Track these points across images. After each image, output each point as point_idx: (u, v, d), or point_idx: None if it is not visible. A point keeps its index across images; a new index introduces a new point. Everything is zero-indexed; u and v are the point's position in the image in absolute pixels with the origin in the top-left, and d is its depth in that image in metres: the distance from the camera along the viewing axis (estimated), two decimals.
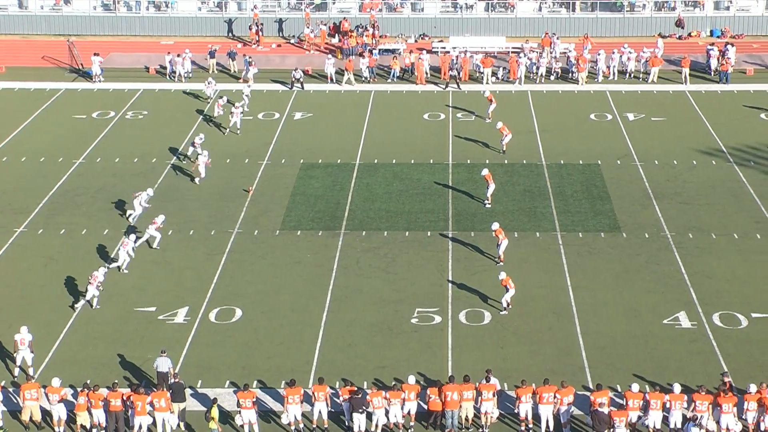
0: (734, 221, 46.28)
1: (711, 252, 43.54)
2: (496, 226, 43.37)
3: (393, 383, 33.99)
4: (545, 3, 78.19)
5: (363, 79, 65.87)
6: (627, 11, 77.26)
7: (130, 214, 46.88)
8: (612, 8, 77.21)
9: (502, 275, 39.50)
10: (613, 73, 66.47)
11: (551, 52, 68.89)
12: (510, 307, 39.15)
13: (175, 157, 53.71)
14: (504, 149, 54.03)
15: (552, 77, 66.84)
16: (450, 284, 41.34)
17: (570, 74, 66.97)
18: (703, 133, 56.94)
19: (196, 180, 50.64)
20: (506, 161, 53.13)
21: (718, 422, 32.31)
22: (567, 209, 47.80)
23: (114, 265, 42.51)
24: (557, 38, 70.54)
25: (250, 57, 66.88)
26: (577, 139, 56.41)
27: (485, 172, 48.57)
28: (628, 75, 66.78)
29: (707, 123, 58.51)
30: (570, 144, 55.55)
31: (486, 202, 48.08)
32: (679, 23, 76.04)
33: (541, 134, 56.88)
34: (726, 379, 33.27)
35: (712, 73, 66.84)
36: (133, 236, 43.57)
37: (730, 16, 76.59)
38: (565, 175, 51.59)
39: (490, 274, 41.81)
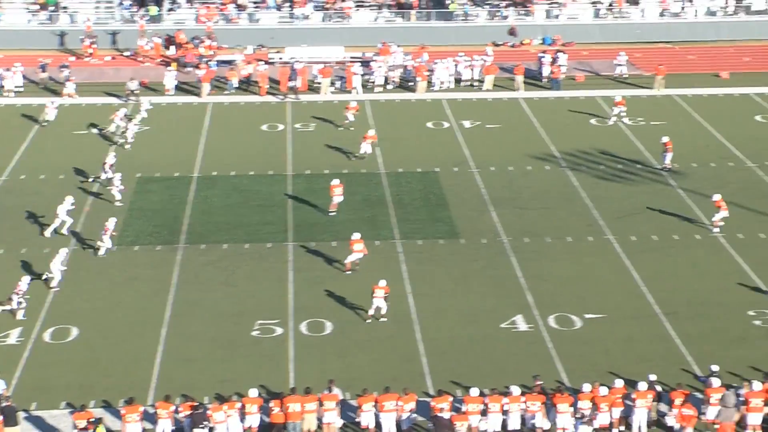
0: (567, 225, 47.29)
1: (546, 256, 44.42)
2: (357, 236, 43.35)
3: (234, 397, 33.75)
4: (381, 12, 78.81)
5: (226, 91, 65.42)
6: (461, 20, 78.38)
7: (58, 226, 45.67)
8: (446, 17, 78.25)
9: (383, 282, 39.49)
10: (449, 82, 67.33)
11: (389, 61, 69.42)
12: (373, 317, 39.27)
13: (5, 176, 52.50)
14: (362, 155, 54.24)
15: (390, 86, 67.38)
16: (291, 295, 41.28)
17: (407, 83, 67.63)
18: (536, 140, 58.08)
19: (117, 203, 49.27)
20: (345, 170, 53.32)
21: (554, 422, 32.95)
22: (406, 217, 48.20)
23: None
24: (396, 47, 71.13)
25: (67, 70, 65.33)
26: (415, 147, 56.97)
27: (336, 182, 48.52)
28: (463, 83, 67.73)
29: (540, 129, 59.71)
30: (408, 152, 56.05)
31: (331, 211, 48.07)
32: (512, 32, 77.46)
33: (379, 143, 57.24)
34: (537, 382, 33.87)
35: (544, 80, 68.25)
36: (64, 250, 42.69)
37: (561, 24, 78.36)
38: (403, 184, 52.03)
39: (332, 284, 41.90)
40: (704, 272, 42.82)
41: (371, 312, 39.34)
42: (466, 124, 60.67)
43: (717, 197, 46.42)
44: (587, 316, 39.55)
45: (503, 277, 42.63)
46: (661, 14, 79.10)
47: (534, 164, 54.44)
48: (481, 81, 67.53)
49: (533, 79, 68.39)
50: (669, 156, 52.86)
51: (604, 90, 66.65)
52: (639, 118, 60.80)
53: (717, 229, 46.04)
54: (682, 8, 79.01)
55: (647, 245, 45.21)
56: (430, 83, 66.87)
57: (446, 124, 60.64)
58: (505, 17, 78.69)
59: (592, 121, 61.09)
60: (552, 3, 79.46)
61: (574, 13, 79.17)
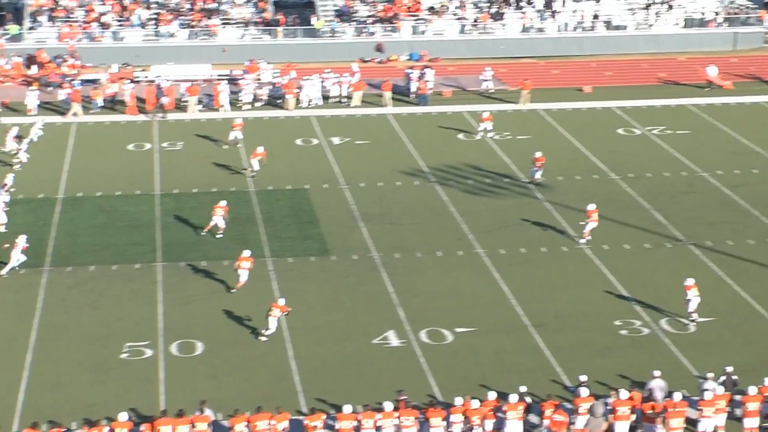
0: (437, 239, 47.60)
1: (417, 271, 44.62)
2: (247, 253, 42.98)
3: (103, 421, 33.14)
4: (247, 30, 78.53)
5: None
6: (328, 37, 78.52)
7: None
8: (313, 34, 78.31)
9: (282, 301, 39.33)
10: (318, 99, 67.35)
11: (257, 79, 69.15)
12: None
13: None
14: (251, 172, 54.24)
15: (258, 104, 67.14)
16: (161, 316, 40.74)
17: (276, 100, 67.47)
18: (405, 155, 58.40)
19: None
20: (214, 189, 52.91)
21: None
22: (277, 235, 47.99)
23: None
24: (266, 64, 70.89)
25: None
26: (285, 164, 56.81)
27: (223, 203, 48.09)
28: (332, 100, 67.82)
29: (409, 145, 60.07)
30: (278, 170, 55.85)
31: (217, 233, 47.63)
32: (379, 48, 77.87)
33: (248, 161, 56.96)
34: (401, 397, 33.95)
35: (412, 95, 68.70)
36: None
37: (427, 40, 79.03)
38: (273, 201, 51.83)
39: (202, 304, 41.49)
40: (572, 284, 43.47)
41: (265, 330, 39.11)
42: (336, 140, 60.73)
43: (591, 207, 47.26)
44: (458, 329, 39.80)
45: (374, 293, 42.69)
46: (525, 30, 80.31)
47: (403, 179, 54.71)
48: (350, 97, 67.71)
49: (401, 94, 68.81)
50: (539, 171, 53.58)
51: (471, 105, 67.37)
52: (506, 133, 61.56)
53: (584, 240, 46.81)
54: (541, 23, 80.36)
55: (516, 258, 45.74)
56: (298, 100, 66.82)
57: (315, 141, 60.63)
58: (372, 34, 79.08)
59: (460, 136, 61.68)
60: (418, 19, 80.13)
61: (440, 29, 79.93)
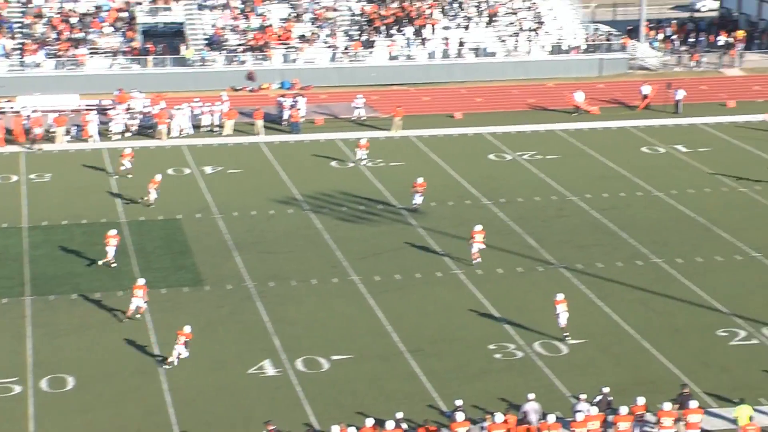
0: (312, 267, 47.50)
1: (292, 299, 44.45)
2: (142, 281, 42.70)
3: None
4: (116, 59, 77.64)
5: None
6: (198, 65, 78.04)
7: None
8: (183, 63, 77.77)
9: (187, 329, 38.93)
10: (189, 128, 66.85)
11: (128, 109, 68.33)
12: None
13: None
14: (151, 203, 53.79)
15: (129, 133, 66.37)
16: (29, 351, 39.83)
17: (147, 130, 66.78)
18: (278, 183, 58.25)
19: None
20: (84, 221, 52.09)
21: None
22: (149, 266, 47.39)
23: None
24: (138, 93, 70.11)
25: None
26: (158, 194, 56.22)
27: (113, 232, 47.52)
28: (203, 129, 67.39)
29: (282, 173, 59.94)
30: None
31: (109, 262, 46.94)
32: (250, 76, 77.66)
33: (120, 190, 56.23)
34: (270, 428, 33.69)
35: (284, 123, 68.61)
36: None
37: (299, 68, 79.07)
38: (145, 232, 51.20)
39: (73, 338, 40.72)
40: (446, 309, 43.72)
41: (171, 359, 38.68)
42: (208, 169, 60.31)
43: (477, 228, 47.81)
44: (334, 357, 39.71)
45: (249, 322, 42.39)
46: (395, 57, 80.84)
47: (277, 208, 54.54)
48: (221, 126, 67.34)
49: (273, 123, 68.68)
50: (420, 197, 53.76)
51: (343, 132, 67.55)
52: (378, 160, 61.81)
53: (475, 262, 47.29)
54: (411, 51, 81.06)
55: (391, 284, 45.87)
56: (169, 130, 66.21)
57: (187, 171, 60.11)
58: (243, 62, 78.84)
59: (333, 163, 61.76)
60: (289, 47, 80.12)
61: (311, 57, 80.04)
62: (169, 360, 38.91)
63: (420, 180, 54.37)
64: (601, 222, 52.80)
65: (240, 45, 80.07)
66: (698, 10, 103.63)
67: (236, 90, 76.50)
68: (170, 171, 59.92)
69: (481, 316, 43.02)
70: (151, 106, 68.67)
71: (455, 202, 55.40)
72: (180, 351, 38.86)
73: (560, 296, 41.05)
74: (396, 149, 64.56)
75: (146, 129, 66.93)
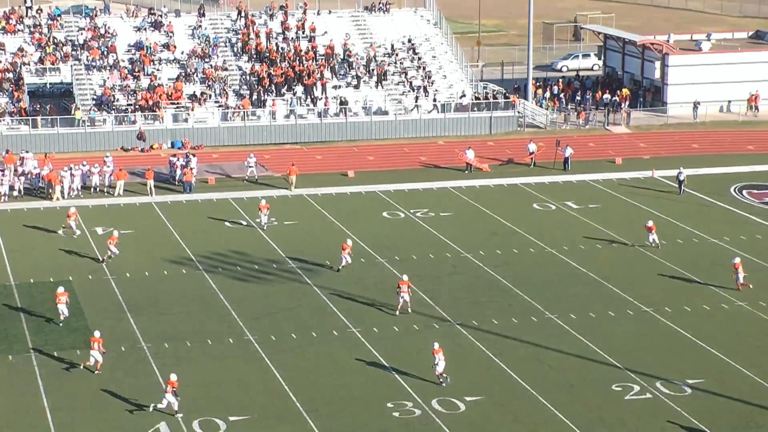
0: (207, 327, 47.19)
1: (187, 360, 44.05)
2: (97, 334, 42.85)
3: None
4: (3, 119, 76.66)
5: None
6: (88, 126, 77.39)
7: None
8: (72, 124, 77.08)
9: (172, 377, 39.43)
10: (78, 189, 66.17)
11: (17, 170, 67.39)
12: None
13: None
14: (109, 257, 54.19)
15: (16, 194, 65.50)
16: None
17: (35, 191, 65.96)
18: (172, 243, 57.88)
19: None
20: None
21: None
22: (40, 329, 46.62)
23: None
24: (27, 153, 69.23)
25: None
26: (46, 256, 55.47)
27: (61, 289, 47.38)
28: (94, 189, 66.77)
29: (175, 233, 59.58)
30: (39, 261, 54.50)
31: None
32: (141, 136, 77.23)
33: (8, 254, 55.39)
34: None
35: (177, 183, 68.29)
36: None
37: (190, 128, 78.88)
38: (36, 294, 50.41)
39: None
40: (343, 368, 43.67)
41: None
42: (99, 230, 59.69)
43: (404, 278, 48.77)
44: (232, 418, 39.39)
45: (144, 384, 41.87)
46: (287, 116, 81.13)
47: (170, 268, 54.15)
48: (113, 187, 66.76)
49: (165, 182, 68.31)
50: (348, 257, 53.58)
51: (236, 192, 67.48)
52: (272, 219, 61.78)
53: (397, 313, 48.07)
54: (303, 109, 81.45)
55: (287, 344, 45.75)
56: (61, 191, 65.46)
57: (78, 232, 59.40)
58: (133, 122, 78.40)
59: (227, 223, 61.55)
60: (179, 107, 79.92)
61: (202, 117, 79.91)
62: (158, 406, 39.20)
63: (349, 242, 54.31)
64: (496, 278, 53.40)
65: (129, 105, 79.66)
66: (560, 70, 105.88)
67: (126, 150, 75.96)
68: (60, 232, 59.18)
69: (378, 375, 43.09)
70: (39, 167, 67.78)
71: (351, 260, 55.50)
72: (170, 400, 39.14)
73: (436, 345, 42.27)
74: (290, 208, 64.61)
75: (35, 190, 66.05)
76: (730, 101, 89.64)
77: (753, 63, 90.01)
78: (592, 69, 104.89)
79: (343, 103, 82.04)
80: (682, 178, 68.24)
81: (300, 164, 71.24)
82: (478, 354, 44.94)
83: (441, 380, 41.78)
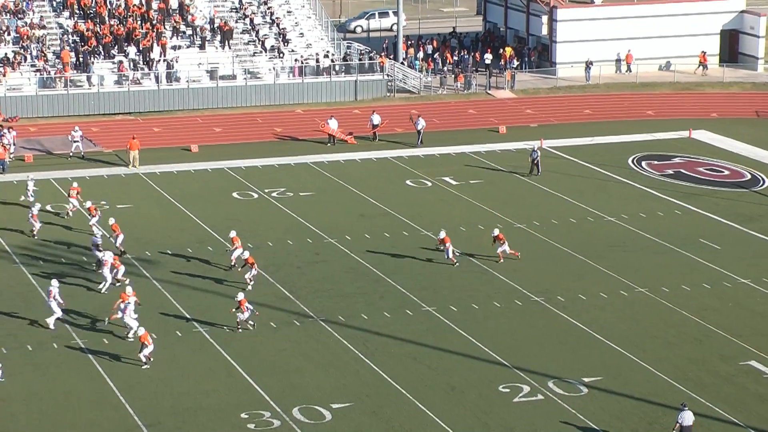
0: (28, 330, 46.48)
1: (5, 370, 43.24)
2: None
3: None
4: None
5: None
6: None
7: None
8: None
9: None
10: None
11: None
12: None
13: None
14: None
15: None
16: None
17: None
18: None
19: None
20: None
21: None
22: None
23: None
24: None
25: None
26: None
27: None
28: None
29: None
30: None
31: None
32: None
33: None
34: None
35: None
36: None
37: (1, 96, 77.29)
38: None
39: None
40: (189, 373, 43.28)
41: None
42: None
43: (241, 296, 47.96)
44: None
45: None
46: (119, 82, 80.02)
47: None
48: None
49: None
50: (238, 252, 52.75)
51: (59, 171, 66.49)
52: (102, 201, 60.88)
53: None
54: (137, 75, 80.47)
55: (121, 347, 45.15)
56: None
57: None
58: None
59: (48, 207, 60.43)
60: None
61: (16, 84, 78.39)
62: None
63: (233, 234, 53.28)
64: (365, 266, 53.45)
65: None
66: (353, 31, 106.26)
67: None
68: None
69: (230, 380, 42.79)
70: None
71: (194, 249, 55.03)
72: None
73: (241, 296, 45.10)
74: (124, 189, 63.75)
75: None
76: (669, 61, 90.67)
77: (650, 17, 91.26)
78: (390, 29, 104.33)
79: (191, 66, 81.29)
80: (536, 156, 67.23)
81: (138, 138, 70.04)
82: (346, 354, 44.93)
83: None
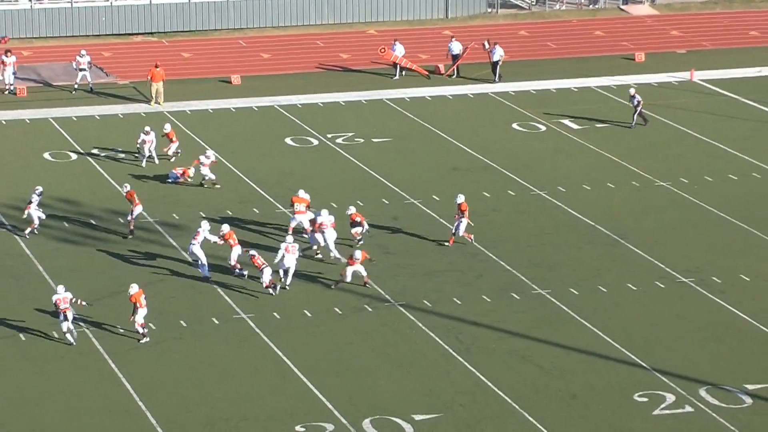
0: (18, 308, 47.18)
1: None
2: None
3: None
4: None
5: None
6: None
7: None
8: None
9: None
10: None
11: None
12: None
13: None
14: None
15: None
16: None
17: None
18: None
19: None
20: None
21: None
22: None
23: None
24: None
25: None
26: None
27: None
28: None
29: None
30: None
31: None
32: None
33: None
34: None
35: None
36: None
37: None
38: None
39: None
40: (227, 374, 43.56)
41: None
42: None
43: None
44: None
45: None
46: None
47: None
48: None
49: None
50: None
51: (60, 108, 67.12)
52: (119, 147, 61.41)
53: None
54: None
55: (152, 337, 45.69)
56: None
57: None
58: None
59: (47, 155, 61.09)
60: None
61: None
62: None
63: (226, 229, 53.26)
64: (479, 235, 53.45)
65: None
66: None
67: None
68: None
69: (281, 383, 43.06)
70: None
71: (236, 211, 55.31)
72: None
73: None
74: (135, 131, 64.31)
75: None
76: None
77: None
78: None
79: None
80: (637, 102, 66.00)
81: (164, 66, 70.53)
82: (432, 350, 44.97)
83: None
